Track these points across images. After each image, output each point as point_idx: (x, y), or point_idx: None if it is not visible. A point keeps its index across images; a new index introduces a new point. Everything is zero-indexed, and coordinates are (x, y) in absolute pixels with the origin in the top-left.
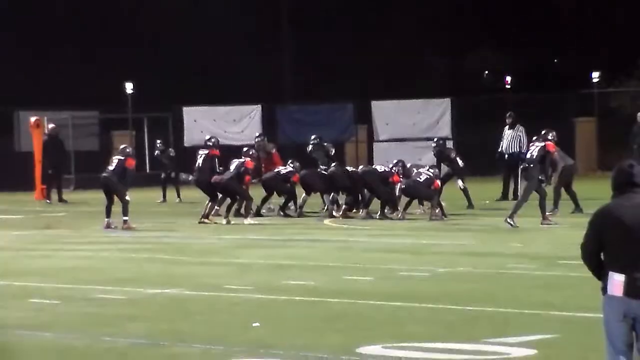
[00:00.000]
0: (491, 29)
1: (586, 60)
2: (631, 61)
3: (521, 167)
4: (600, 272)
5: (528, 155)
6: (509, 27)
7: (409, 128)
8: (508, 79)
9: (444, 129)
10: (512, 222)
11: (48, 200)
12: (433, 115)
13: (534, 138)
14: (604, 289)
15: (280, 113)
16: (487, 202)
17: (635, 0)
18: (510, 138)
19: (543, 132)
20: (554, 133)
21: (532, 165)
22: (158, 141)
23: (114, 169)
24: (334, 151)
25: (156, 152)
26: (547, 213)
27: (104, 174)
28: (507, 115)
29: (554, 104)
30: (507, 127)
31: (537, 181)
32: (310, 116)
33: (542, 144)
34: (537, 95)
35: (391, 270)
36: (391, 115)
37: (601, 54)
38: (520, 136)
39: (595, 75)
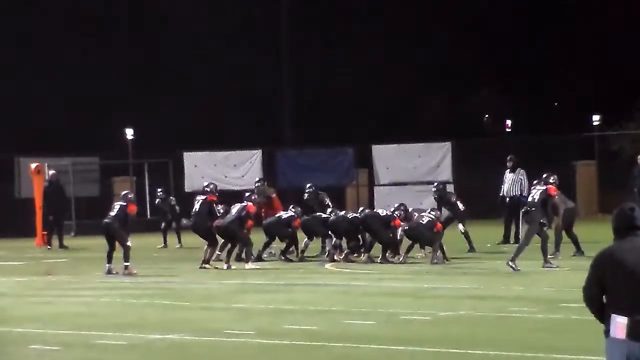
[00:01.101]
0: (491, 72)
1: (586, 103)
2: (631, 104)
3: (523, 210)
4: (603, 315)
5: (529, 199)
6: (509, 70)
7: (409, 172)
8: (508, 122)
9: (445, 173)
10: (513, 266)
11: (49, 247)
12: (434, 159)
13: (535, 181)
14: (607, 332)
15: (280, 158)
16: (489, 245)
17: (635, 43)
18: (511, 181)
19: (544, 175)
20: (555, 176)
21: (533, 209)
22: (159, 190)
23: (115, 215)
24: (328, 200)
25: (157, 200)
26: (548, 256)
27: (106, 220)
28: (508, 158)
29: (555, 147)
30: (508, 170)
31: (539, 225)
32: (311, 161)
33: (544, 187)
34: (538, 138)
35: (392, 314)
36: (392, 159)
37: (601, 97)
38: (521, 180)
39: (596, 118)
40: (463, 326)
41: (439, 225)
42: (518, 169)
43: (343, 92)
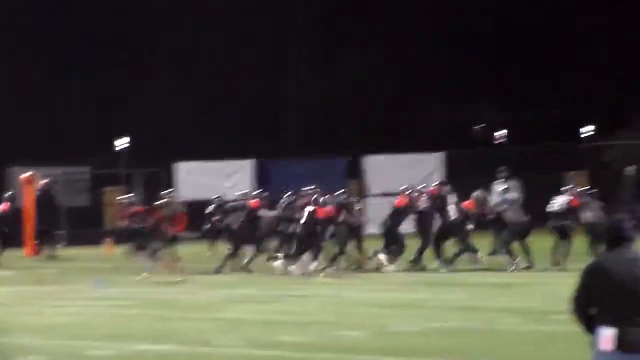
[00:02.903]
0: (485, 83)
1: (578, 114)
2: (622, 115)
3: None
4: (591, 327)
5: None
6: (503, 81)
7: (401, 182)
8: (500, 132)
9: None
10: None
11: (40, 256)
12: (426, 169)
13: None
14: (594, 344)
15: (271, 167)
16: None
17: (626, 56)
18: (502, 192)
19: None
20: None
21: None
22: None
23: None
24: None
25: None
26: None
27: None
28: (500, 169)
29: (546, 157)
30: (499, 181)
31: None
32: (303, 171)
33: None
34: (529, 148)
35: (383, 326)
36: (383, 170)
37: (593, 108)
38: (513, 190)
39: (588, 129)
40: (452, 338)
41: None
42: (510, 179)
43: (336, 102)
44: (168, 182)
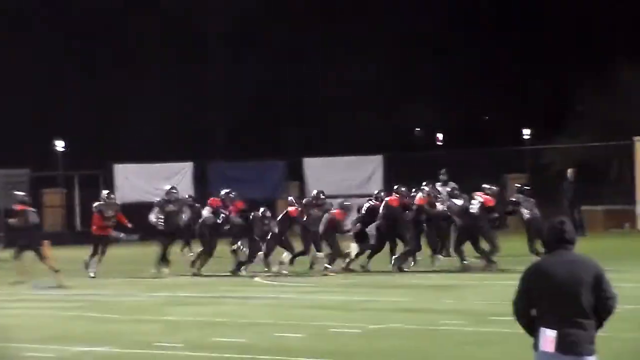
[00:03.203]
0: (423, 86)
1: (517, 117)
2: (561, 117)
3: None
4: (532, 328)
5: (474, 208)
6: (441, 83)
7: (340, 185)
8: (440, 135)
9: (376, 186)
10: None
11: None
12: (365, 172)
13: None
14: (536, 345)
15: (211, 170)
16: (420, 258)
17: (563, 58)
18: (443, 195)
19: (486, 186)
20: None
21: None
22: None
23: None
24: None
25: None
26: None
27: None
28: (441, 172)
29: (486, 160)
30: (439, 183)
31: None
32: (242, 173)
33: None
34: (469, 151)
35: (322, 327)
36: (323, 172)
37: (532, 111)
38: (453, 193)
39: (527, 132)
40: (393, 339)
41: None
42: (450, 182)
43: (276, 105)
44: (107, 184)
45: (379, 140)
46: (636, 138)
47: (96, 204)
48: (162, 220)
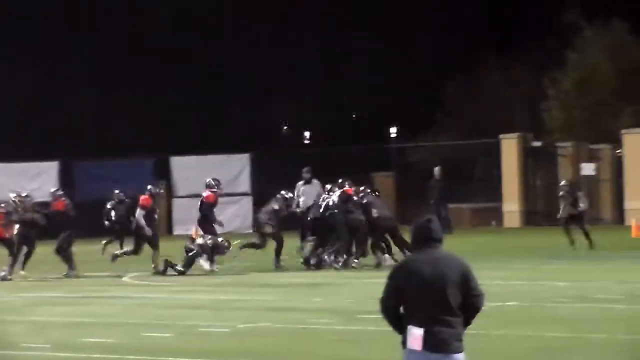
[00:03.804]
0: (290, 83)
1: (385, 116)
2: (429, 116)
3: (325, 214)
4: (400, 326)
5: (331, 203)
6: (308, 81)
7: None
8: (307, 133)
9: (244, 184)
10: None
11: None
12: (233, 171)
13: (329, 187)
14: (404, 343)
15: (77, 169)
16: (286, 257)
17: (431, 58)
18: (307, 193)
19: (340, 181)
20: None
21: (336, 211)
22: None
23: None
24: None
25: None
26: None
27: None
28: (304, 170)
29: (353, 158)
30: (302, 181)
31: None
32: (109, 172)
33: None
34: (336, 149)
35: (191, 327)
36: (191, 171)
37: (400, 109)
38: (317, 191)
39: (393, 130)
40: (262, 338)
41: None
42: (313, 180)
43: (142, 101)
44: None
45: (246, 139)
46: (502, 136)
47: None
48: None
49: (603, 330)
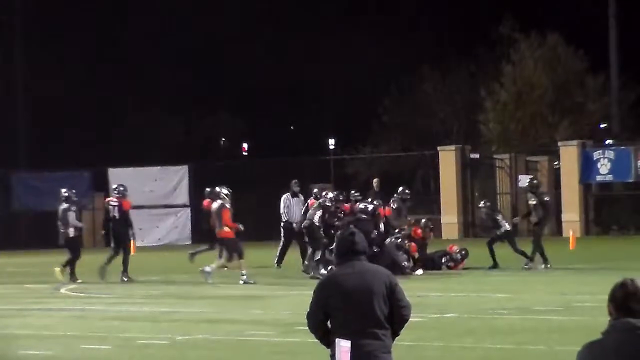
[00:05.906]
0: (227, 95)
1: (323, 127)
2: (366, 127)
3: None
4: (327, 340)
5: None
6: (246, 93)
7: (146, 195)
8: (245, 145)
9: (182, 196)
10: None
11: None
12: (171, 182)
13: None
14: (332, 356)
15: (15, 181)
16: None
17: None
18: (294, 206)
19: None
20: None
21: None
22: None
23: None
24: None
25: None
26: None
27: None
28: (293, 182)
29: (292, 169)
30: (289, 194)
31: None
32: (46, 183)
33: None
34: (274, 161)
35: (129, 339)
36: (129, 183)
37: (337, 121)
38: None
39: (332, 142)
40: (201, 350)
41: None
42: (299, 194)
43: (79, 114)
44: None
45: (185, 151)
46: (440, 148)
47: None
48: None
49: (542, 341)
